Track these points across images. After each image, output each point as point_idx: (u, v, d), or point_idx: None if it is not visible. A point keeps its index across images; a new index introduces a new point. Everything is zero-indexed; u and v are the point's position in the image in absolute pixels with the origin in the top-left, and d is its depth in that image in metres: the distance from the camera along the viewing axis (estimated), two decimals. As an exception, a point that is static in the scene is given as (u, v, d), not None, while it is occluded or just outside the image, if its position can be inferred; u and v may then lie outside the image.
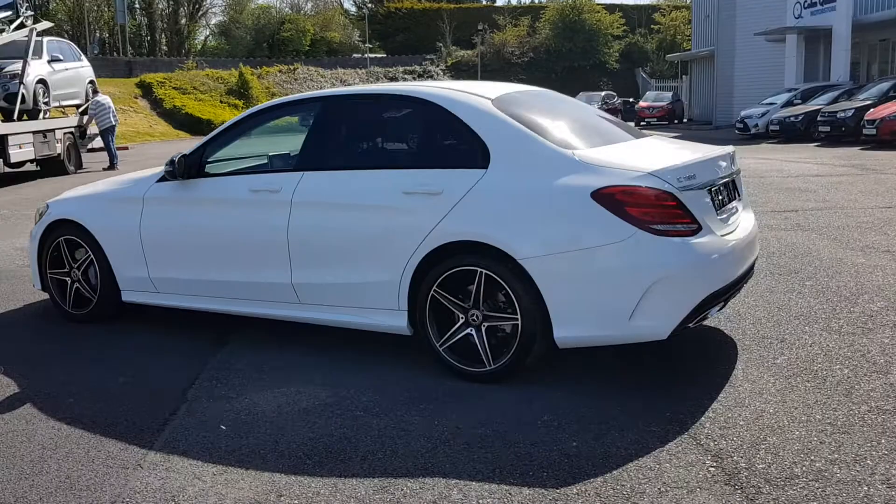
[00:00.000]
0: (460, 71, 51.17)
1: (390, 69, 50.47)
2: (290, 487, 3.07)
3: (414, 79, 50.26)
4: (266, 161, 5.49)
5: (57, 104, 17.10)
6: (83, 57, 18.91)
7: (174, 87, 37.81)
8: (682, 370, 4.24)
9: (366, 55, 51.05)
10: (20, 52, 15.85)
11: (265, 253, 4.57)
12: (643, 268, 3.72)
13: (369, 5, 62.09)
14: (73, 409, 3.92)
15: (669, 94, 40.56)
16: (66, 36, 56.18)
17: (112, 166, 17.47)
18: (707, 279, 3.84)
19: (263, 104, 5.04)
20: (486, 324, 4.01)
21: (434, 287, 4.08)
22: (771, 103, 25.83)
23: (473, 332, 4.04)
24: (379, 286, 4.26)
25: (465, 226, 4.00)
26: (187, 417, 3.77)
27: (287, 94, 42.50)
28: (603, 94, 40.31)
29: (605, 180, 3.79)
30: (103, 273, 5.22)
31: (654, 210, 3.73)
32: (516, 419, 3.62)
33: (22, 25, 15.65)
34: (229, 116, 36.87)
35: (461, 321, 4.07)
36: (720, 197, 4.18)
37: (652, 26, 56.17)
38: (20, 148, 14.57)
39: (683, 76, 44.25)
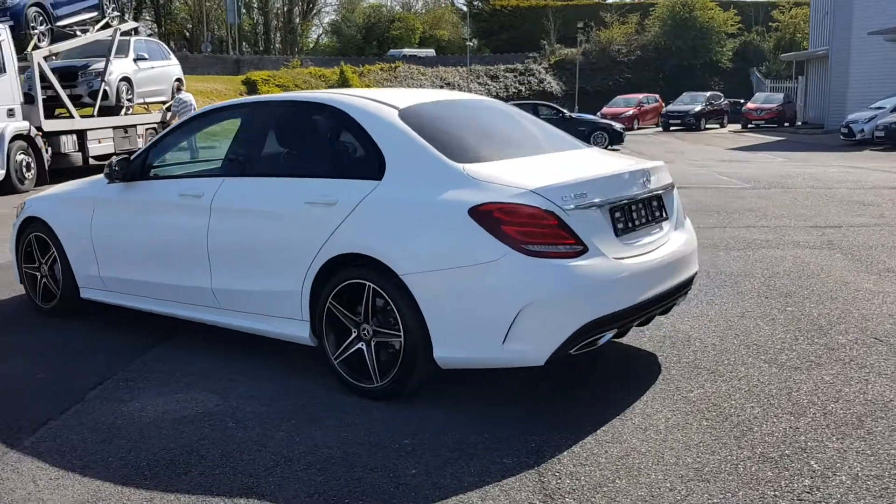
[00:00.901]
0: (563, 69, 50.48)
1: (491, 67, 50.37)
2: (109, 497, 3.09)
3: (516, 77, 50.02)
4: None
5: (141, 101, 17.95)
6: (171, 55, 19.77)
7: (277, 85, 39.02)
8: (582, 396, 4.01)
9: (467, 54, 51.06)
10: (118, 52, 16.81)
11: (189, 256, 4.64)
12: (514, 290, 3.55)
13: (476, 3, 62.06)
14: (-21, 402, 4.10)
15: (780, 96, 38.59)
16: (186, 34, 59.22)
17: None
18: (589, 304, 3.61)
19: (200, 110, 5.12)
20: (375, 339, 3.93)
21: (329, 299, 4.03)
22: (880, 108, 24.23)
23: (364, 347, 3.97)
24: (284, 295, 4.25)
25: (353, 238, 3.94)
26: (70, 418, 3.86)
27: (386, 92, 43.28)
28: (708, 94, 38.78)
29: (485, 196, 3.63)
30: (64, 270, 5.44)
31: (532, 229, 3.55)
32: (376, 441, 3.52)
33: (107, 25, 16.49)
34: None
35: (354, 335, 4.00)
36: (629, 217, 3.93)
37: (770, 24, 53.64)
38: (99, 143, 15.40)
39: (799, 77, 42.05)
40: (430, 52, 56.83)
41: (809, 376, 4.17)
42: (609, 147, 24.04)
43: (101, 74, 15.78)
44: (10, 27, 13.21)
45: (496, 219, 3.57)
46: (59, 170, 13.98)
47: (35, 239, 5.62)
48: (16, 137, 13.04)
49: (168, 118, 18.52)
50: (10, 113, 13.02)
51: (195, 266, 4.62)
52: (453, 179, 3.77)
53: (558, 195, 3.62)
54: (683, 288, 4.29)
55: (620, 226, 3.87)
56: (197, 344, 4.94)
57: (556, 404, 3.91)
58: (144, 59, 17.77)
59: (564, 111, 25.58)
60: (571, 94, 46.33)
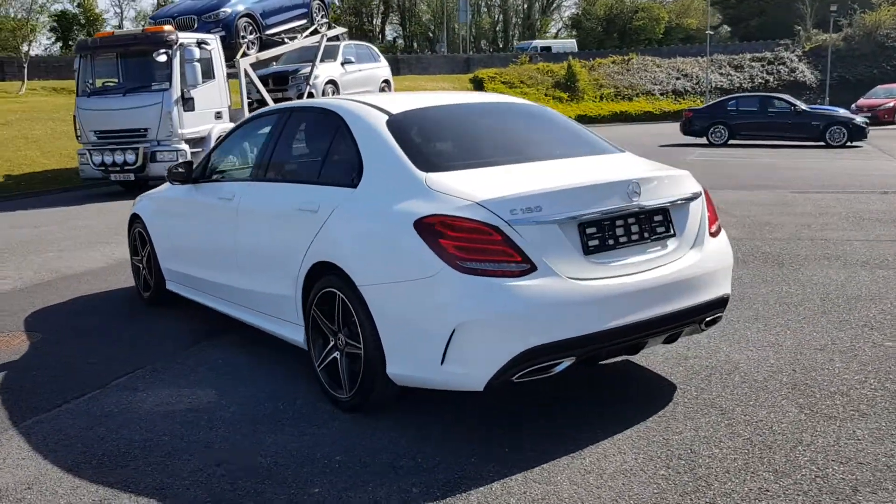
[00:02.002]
0: (819, 57, 46.09)
1: (735, 56, 47.25)
2: (44, 481, 3.34)
3: (763, 66, 46.52)
4: None
5: (347, 102, 19.04)
6: (380, 59, 20.72)
7: (503, 82, 39.58)
8: (553, 425, 3.66)
9: (706, 42, 48.31)
10: (325, 56, 18.05)
11: (223, 254, 4.89)
12: (447, 309, 3.34)
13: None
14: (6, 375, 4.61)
15: None
16: (431, 35, 61.89)
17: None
18: (531, 329, 3.29)
19: (243, 119, 5.34)
20: (346, 350, 3.89)
21: (313, 306, 4.05)
22: None
23: (338, 357, 3.95)
24: (283, 298, 4.34)
25: (325, 246, 3.93)
26: (81, 403, 4.22)
27: (615, 86, 42.20)
28: None
29: (431, 208, 3.45)
30: (154, 262, 5.95)
31: (471, 245, 3.31)
32: (310, 454, 3.49)
33: (315, 32, 17.67)
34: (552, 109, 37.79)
35: (332, 344, 3.99)
36: (608, 234, 3.53)
37: None
38: (303, 142, 16.57)
39: None
40: (569, 43, 55.09)
41: (840, 429, 3.50)
42: (848, 144, 21.63)
43: (308, 78, 16.97)
44: (221, 37, 14.60)
45: (436, 232, 3.38)
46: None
47: (138, 234, 6.21)
48: (221, 138, 14.43)
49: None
50: (218, 115, 14.42)
51: (228, 264, 4.86)
52: (413, 189, 3.62)
53: (506, 208, 3.34)
54: (694, 315, 3.77)
55: (594, 243, 3.50)
56: (243, 342, 5.16)
57: (516, 433, 3.62)
58: (351, 62, 18.81)
59: (797, 104, 23.36)
60: (829, 84, 42.24)
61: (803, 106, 23.45)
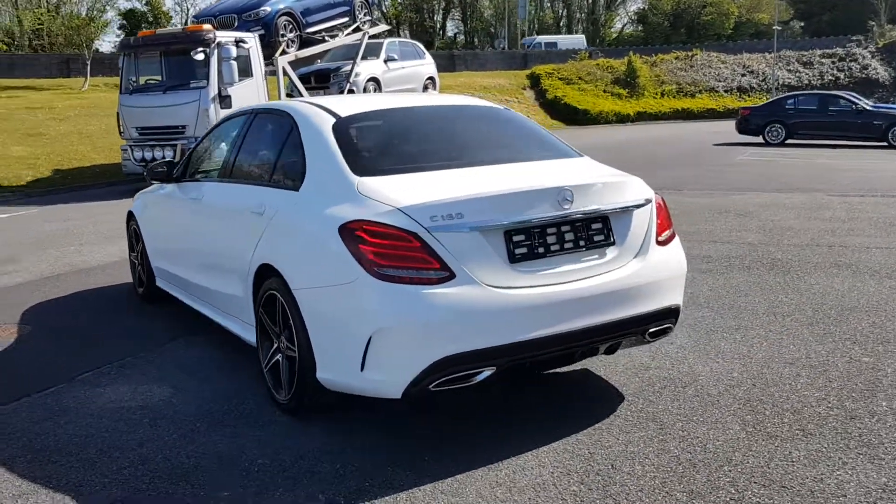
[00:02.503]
0: (893, 53, 44.29)
1: (805, 53, 45.73)
2: (-25, 474, 3.45)
3: (833, 63, 44.94)
4: None
5: (390, 99, 19.13)
6: (426, 56, 20.73)
7: (560, 78, 39.16)
8: (486, 431, 3.60)
9: (773, 38, 46.87)
10: (368, 53, 18.19)
11: (193, 253, 4.98)
12: (364, 315, 3.32)
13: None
14: None
15: None
16: (492, 31, 61.69)
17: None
18: (448, 337, 3.24)
19: (220, 119, 5.41)
20: (286, 352, 3.90)
21: (259, 307, 4.07)
22: None
23: (280, 359, 3.96)
24: (237, 298, 4.38)
25: (267, 249, 3.95)
26: (41, 397, 4.32)
27: (678, 82, 41.31)
28: None
29: (356, 213, 3.43)
30: (145, 259, 6.09)
31: (390, 251, 3.28)
32: (235, 457, 3.51)
33: (358, 30, 17.78)
34: (609, 106, 37.24)
35: (275, 346, 4.01)
36: (538, 242, 3.45)
37: None
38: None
39: None
40: (577, 39, 53.09)
41: (776, 449, 3.35)
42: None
43: (349, 76, 17.10)
44: (261, 35, 14.83)
45: (357, 237, 3.35)
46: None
47: (133, 231, 6.36)
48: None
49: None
50: (255, 113, 14.63)
51: (196, 262, 4.95)
52: (345, 193, 3.61)
53: (426, 215, 3.30)
54: (633, 326, 3.66)
55: (521, 251, 3.42)
56: (220, 341, 5.19)
57: (444, 442, 3.57)
58: (394, 59, 18.88)
59: (860, 102, 22.45)
60: (903, 82, 40.56)
61: (866, 104, 22.53)
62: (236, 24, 14.97)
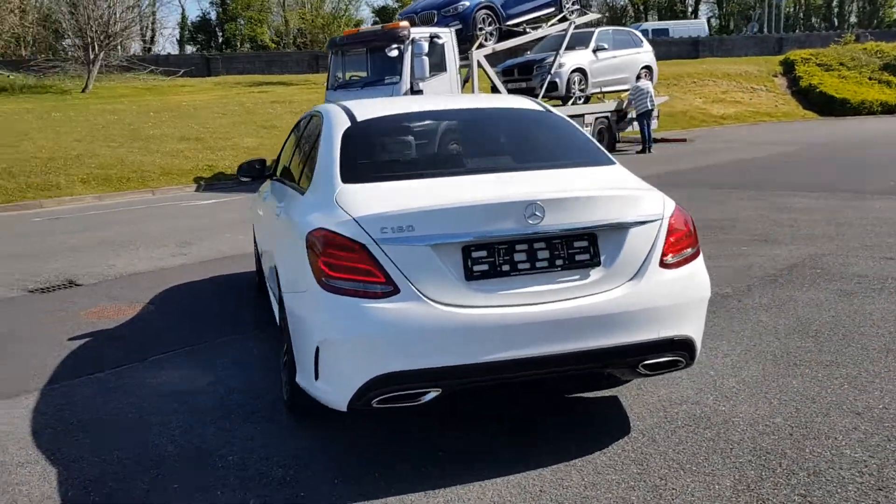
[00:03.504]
0: None
1: None
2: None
3: None
4: None
5: (598, 90, 18.61)
6: (643, 44, 19.83)
7: (818, 64, 35.56)
8: (463, 461, 3.43)
9: None
10: (577, 43, 17.90)
11: (260, 245, 5.24)
12: (313, 326, 3.32)
13: None
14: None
15: None
16: (750, 13, 57.41)
17: (644, 150, 18.28)
18: (388, 354, 3.13)
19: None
20: (286, 353, 3.98)
21: (278, 306, 4.19)
22: None
23: (285, 359, 4.05)
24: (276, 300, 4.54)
25: (272, 250, 4.06)
26: (111, 375, 4.77)
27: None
28: None
29: (319, 222, 3.41)
30: (257, 257, 6.46)
31: (340, 262, 3.23)
32: (213, 450, 3.65)
33: (565, 19, 17.44)
34: (875, 95, 33.32)
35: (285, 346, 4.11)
36: (503, 259, 3.22)
37: None
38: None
39: None
40: (695, 24, 45.20)
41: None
42: None
43: (550, 67, 16.89)
44: (458, 30, 15.05)
45: (314, 246, 3.34)
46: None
47: (253, 226, 6.79)
48: (450, 128, 14.93)
49: (624, 106, 18.86)
50: (448, 107, 14.90)
51: (264, 258, 5.20)
52: (325, 201, 3.60)
53: (377, 226, 3.20)
54: (618, 356, 3.30)
55: (480, 268, 3.20)
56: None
57: (407, 459, 3.45)
58: (604, 49, 18.32)
59: None
60: None
61: None
62: (436, 19, 15.32)
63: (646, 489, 3.10)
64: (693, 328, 3.44)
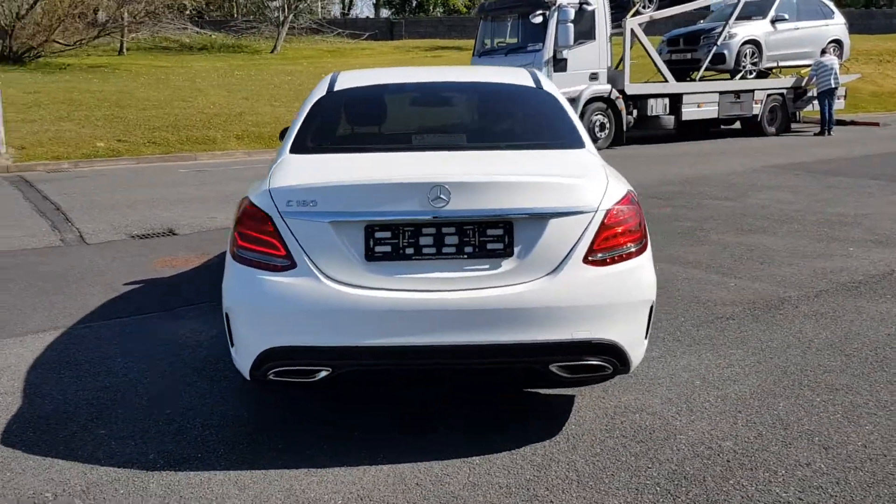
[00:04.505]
0: None
1: None
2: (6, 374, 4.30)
3: None
4: None
5: (775, 64, 17.13)
6: (835, 14, 17.95)
7: None
8: (446, 440, 3.38)
9: None
10: (755, 13, 16.62)
11: None
12: (224, 293, 3.35)
13: None
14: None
15: None
16: None
17: (823, 132, 16.69)
18: (277, 329, 3.12)
19: None
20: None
21: None
22: None
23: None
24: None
25: None
26: (132, 321, 5.11)
27: None
28: None
29: (249, 191, 3.44)
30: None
31: (249, 232, 3.26)
32: (146, 405, 3.81)
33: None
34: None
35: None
36: (407, 241, 3.10)
37: None
38: (698, 107, 15.56)
39: None
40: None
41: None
42: None
43: (717, 38, 15.78)
44: (613, -4, 14.43)
45: (237, 215, 3.38)
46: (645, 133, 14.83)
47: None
48: (594, 99, 14.38)
49: (804, 83, 17.27)
50: (594, 76, 14.37)
51: None
52: (271, 170, 3.62)
53: (284, 199, 3.18)
54: (522, 354, 3.11)
55: (382, 249, 3.11)
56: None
57: (333, 447, 3.45)
58: (785, 19, 16.80)
59: None
60: None
61: None
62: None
63: (523, 498, 2.90)
64: (621, 332, 3.14)
